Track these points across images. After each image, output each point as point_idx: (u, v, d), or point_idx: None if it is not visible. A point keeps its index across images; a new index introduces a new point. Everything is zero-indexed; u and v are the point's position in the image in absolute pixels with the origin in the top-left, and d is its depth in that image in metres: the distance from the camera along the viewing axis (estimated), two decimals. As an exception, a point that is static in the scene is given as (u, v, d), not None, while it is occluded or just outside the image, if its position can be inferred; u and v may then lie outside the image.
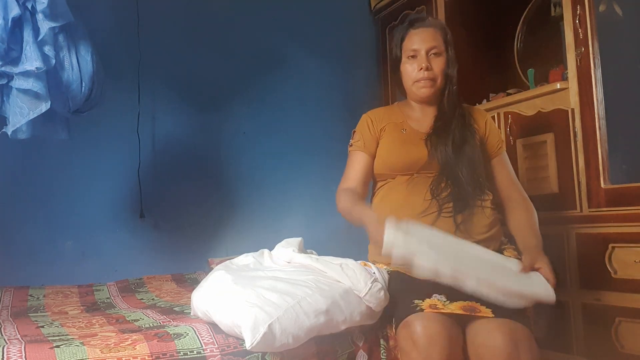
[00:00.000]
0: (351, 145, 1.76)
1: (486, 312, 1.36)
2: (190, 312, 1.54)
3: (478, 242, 1.54)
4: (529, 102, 2.28)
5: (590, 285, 2.00)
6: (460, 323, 1.40)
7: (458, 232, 1.53)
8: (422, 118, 1.72)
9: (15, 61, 1.71)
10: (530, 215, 1.65)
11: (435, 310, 1.37)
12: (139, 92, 2.56)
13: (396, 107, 1.81)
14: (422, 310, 1.38)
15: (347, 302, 1.35)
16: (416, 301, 1.41)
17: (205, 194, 2.71)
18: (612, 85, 2.08)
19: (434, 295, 1.43)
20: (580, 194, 2.06)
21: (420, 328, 1.33)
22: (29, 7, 1.71)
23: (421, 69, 1.64)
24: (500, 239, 1.65)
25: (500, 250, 1.61)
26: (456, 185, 1.58)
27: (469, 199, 1.57)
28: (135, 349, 1.16)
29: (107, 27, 2.48)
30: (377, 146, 1.72)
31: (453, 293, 1.43)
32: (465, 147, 1.62)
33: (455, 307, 1.38)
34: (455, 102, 1.69)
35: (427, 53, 1.64)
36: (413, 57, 1.66)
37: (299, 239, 1.67)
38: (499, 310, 1.36)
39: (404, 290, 1.48)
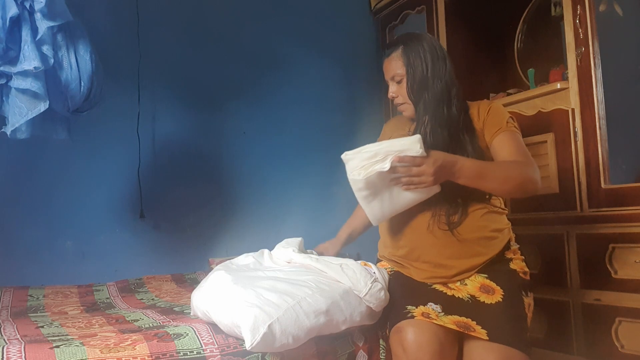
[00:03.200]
0: None
1: (481, 332, 1.34)
2: (190, 312, 1.54)
3: (467, 240, 1.50)
4: (529, 102, 2.27)
5: (590, 285, 2.00)
6: (458, 336, 1.39)
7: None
8: None
9: (14, 61, 1.70)
10: (512, 166, 1.51)
11: (427, 319, 1.37)
12: (138, 93, 2.56)
13: None
14: (413, 317, 1.38)
15: (347, 303, 1.35)
16: (409, 307, 1.41)
17: (205, 194, 2.70)
18: (612, 85, 2.08)
19: (430, 303, 1.42)
20: (581, 194, 2.06)
21: (411, 335, 1.33)
22: (27, 6, 1.70)
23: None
24: (504, 243, 1.55)
25: (503, 257, 1.53)
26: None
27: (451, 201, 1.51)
28: (135, 349, 1.16)
29: (107, 27, 2.47)
30: None
31: (449, 305, 1.42)
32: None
33: (449, 321, 1.37)
34: (436, 113, 1.56)
35: (392, 81, 1.64)
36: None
37: (299, 239, 1.67)
38: (495, 333, 1.34)
39: (401, 294, 1.47)
